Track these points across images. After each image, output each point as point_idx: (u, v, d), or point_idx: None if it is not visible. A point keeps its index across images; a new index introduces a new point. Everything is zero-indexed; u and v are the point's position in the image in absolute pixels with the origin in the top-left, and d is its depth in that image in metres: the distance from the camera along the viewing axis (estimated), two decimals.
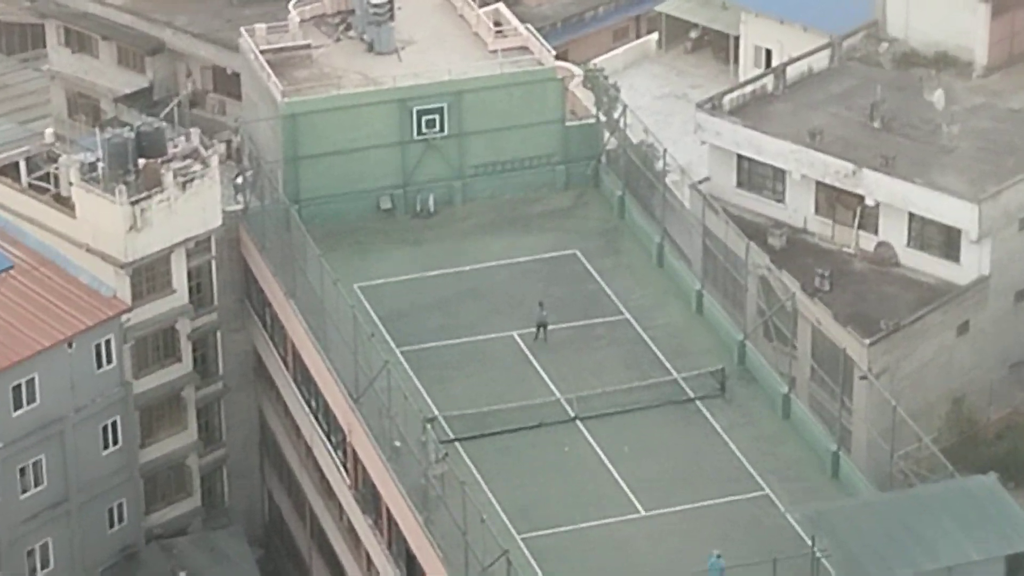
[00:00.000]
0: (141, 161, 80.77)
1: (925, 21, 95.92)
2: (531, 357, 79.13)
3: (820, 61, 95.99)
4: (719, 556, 67.11)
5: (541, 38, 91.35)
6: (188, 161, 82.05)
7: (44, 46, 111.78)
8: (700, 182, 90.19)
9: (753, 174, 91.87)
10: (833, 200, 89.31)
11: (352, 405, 76.46)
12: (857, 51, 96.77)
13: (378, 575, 76.68)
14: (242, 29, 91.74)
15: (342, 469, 78.87)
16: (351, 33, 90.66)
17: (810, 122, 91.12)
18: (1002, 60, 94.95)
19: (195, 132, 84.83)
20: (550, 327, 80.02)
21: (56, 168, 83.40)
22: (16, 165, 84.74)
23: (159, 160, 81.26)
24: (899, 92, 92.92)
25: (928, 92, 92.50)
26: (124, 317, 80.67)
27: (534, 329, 80.00)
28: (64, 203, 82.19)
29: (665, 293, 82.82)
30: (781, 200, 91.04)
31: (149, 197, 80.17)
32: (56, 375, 79.02)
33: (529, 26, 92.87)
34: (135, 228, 79.95)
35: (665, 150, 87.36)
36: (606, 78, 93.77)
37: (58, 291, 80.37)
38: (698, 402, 76.59)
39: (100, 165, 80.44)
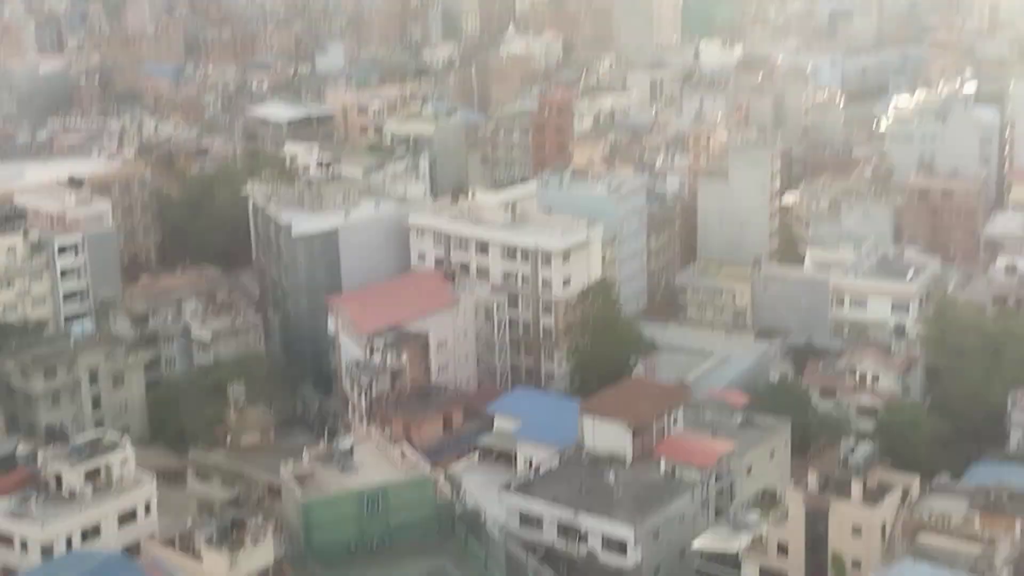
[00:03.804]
0: None
1: (604, 441, 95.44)
2: None
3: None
4: None
5: (424, 459, 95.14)
6: None
7: None
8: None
9: None
10: None
11: None
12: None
13: None
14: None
15: None
16: (332, 463, 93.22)
17: None
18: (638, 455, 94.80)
19: None
20: None
21: None
22: None
23: None
24: None
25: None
26: None
27: None
28: None
29: None
30: None
31: None
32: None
33: (418, 454, 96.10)
34: None
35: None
36: (456, 479, 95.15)
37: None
38: None
39: None
